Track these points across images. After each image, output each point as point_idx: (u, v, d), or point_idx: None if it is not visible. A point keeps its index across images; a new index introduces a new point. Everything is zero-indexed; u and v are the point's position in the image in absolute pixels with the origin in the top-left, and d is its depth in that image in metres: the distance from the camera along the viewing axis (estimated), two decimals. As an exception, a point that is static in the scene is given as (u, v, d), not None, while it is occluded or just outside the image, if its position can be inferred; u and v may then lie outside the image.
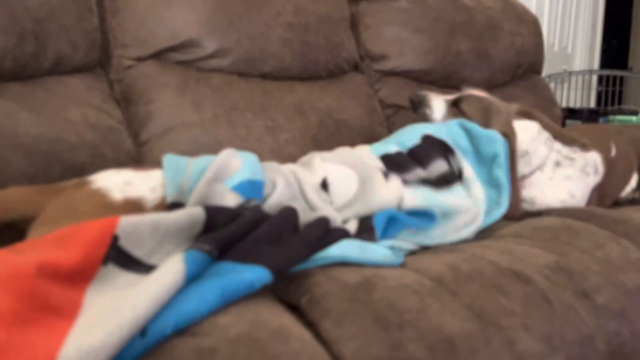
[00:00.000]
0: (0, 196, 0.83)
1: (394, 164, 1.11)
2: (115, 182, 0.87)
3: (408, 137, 1.20)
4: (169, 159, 0.95)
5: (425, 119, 1.40)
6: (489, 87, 1.91)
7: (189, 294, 0.64)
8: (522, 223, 1.12)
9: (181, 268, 0.64)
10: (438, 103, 1.40)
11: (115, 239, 0.69)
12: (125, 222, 0.70)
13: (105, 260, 0.67)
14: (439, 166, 1.13)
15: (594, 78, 3.69)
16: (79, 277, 0.64)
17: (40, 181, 1.00)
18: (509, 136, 1.23)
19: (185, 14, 1.33)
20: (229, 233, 0.76)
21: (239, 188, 0.92)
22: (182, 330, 0.61)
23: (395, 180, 1.06)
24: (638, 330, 0.83)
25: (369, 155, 1.15)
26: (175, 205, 0.87)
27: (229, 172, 0.94)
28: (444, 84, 1.80)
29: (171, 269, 0.64)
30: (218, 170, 0.92)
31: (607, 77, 3.43)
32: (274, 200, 0.94)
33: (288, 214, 0.88)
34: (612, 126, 1.65)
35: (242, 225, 0.80)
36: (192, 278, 0.66)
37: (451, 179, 1.12)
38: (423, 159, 1.13)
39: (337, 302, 0.71)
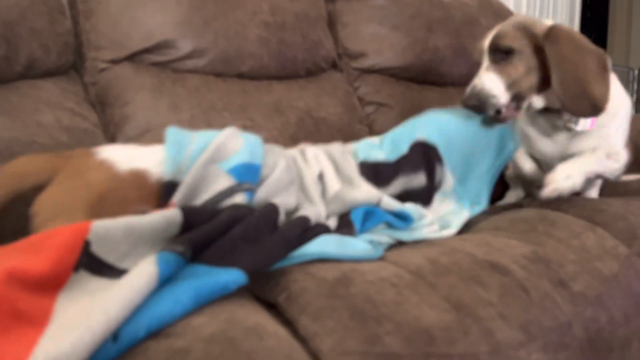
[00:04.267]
0: (13, 165, 0.84)
1: (370, 174, 1.09)
2: (120, 154, 0.89)
3: (401, 139, 1.18)
4: (172, 133, 0.94)
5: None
6: (469, 82, 1.92)
7: (162, 296, 0.63)
8: (500, 216, 1.13)
9: (154, 270, 0.64)
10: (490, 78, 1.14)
11: (87, 244, 0.67)
12: (98, 227, 0.69)
13: (76, 267, 0.66)
14: (418, 180, 1.10)
15: (573, 72, 3.72)
16: (50, 284, 0.63)
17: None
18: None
19: (159, 15, 1.32)
20: (204, 233, 0.75)
21: (234, 171, 0.92)
22: (156, 332, 0.60)
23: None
24: (615, 316, 0.83)
25: (349, 158, 1.14)
26: (172, 183, 0.87)
27: (227, 154, 0.94)
28: (422, 80, 1.81)
29: (143, 272, 0.63)
30: (216, 151, 0.92)
31: (586, 70, 3.46)
32: (272, 180, 0.93)
33: (268, 211, 0.87)
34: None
35: (219, 225, 0.79)
36: (166, 280, 0.65)
37: (426, 198, 1.09)
38: (401, 173, 1.10)
39: (314, 298, 0.71)
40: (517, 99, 1.16)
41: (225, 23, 1.40)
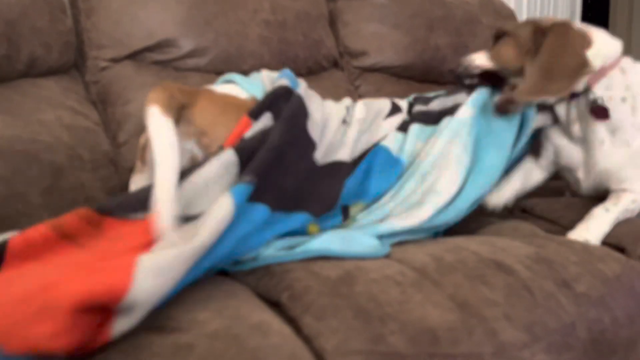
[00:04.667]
0: (168, 83, 0.94)
1: (420, 100, 1.27)
2: (230, 89, 1.05)
3: None
4: (242, 81, 1.09)
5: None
6: (469, 81, 1.92)
7: (240, 220, 0.76)
8: (502, 224, 1.14)
9: (229, 201, 0.76)
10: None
11: None
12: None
13: None
14: (447, 101, 1.21)
15: (573, 71, 3.72)
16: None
17: (19, 181, 0.98)
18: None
19: (160, 14, 1.32)
20: (260, 161, 0.86)
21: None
22: (161, 326, 0.60)
23: (390, 121, 1.20)
24: (618, 317, 0.83)
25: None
26: None
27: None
28: (423, 79, 1.80)
29: (222, 204, 0.75)
30: (268, 79, 1.12)
31: (586, 69, 3.46)
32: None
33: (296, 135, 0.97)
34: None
35: (270, 149, 0.89)
36: (241, 207, 0.77)
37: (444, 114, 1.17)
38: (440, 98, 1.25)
39: (317, 297, 0.71)
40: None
41: (226, 22, 1.40)
